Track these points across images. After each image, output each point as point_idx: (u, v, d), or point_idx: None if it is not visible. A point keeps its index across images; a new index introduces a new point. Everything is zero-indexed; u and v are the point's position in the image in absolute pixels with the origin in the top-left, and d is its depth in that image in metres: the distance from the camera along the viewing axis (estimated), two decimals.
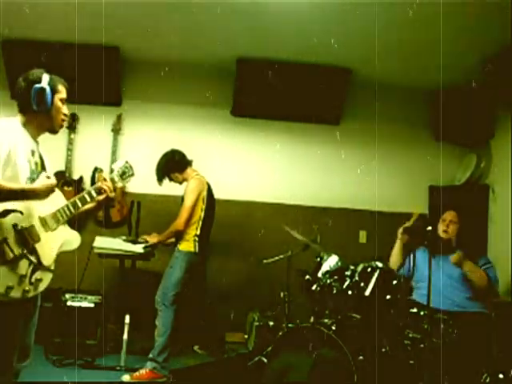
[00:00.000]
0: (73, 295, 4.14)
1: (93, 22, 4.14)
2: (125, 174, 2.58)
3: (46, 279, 2.21)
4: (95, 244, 3.96)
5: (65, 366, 3.82)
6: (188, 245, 3.82)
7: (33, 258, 2.13)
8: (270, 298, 4.38)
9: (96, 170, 4.78)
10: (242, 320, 4.62)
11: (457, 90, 4.78)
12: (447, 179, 5.20)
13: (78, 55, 4.52)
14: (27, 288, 2.11)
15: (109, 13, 3.95)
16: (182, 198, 3.91)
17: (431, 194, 5.18)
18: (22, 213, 2.11)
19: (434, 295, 3.04)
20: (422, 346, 3.00)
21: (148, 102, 4.99)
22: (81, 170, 4.83)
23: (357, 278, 3.20)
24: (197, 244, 3.83)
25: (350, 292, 3.19)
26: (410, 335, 3.11)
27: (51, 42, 4.47)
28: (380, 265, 3.26)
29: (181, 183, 4.03)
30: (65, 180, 4.73)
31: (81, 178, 4.80)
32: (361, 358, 2.79)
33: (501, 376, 2.85)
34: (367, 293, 3.13)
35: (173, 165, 3.99)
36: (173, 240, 3.91)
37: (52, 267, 2.25)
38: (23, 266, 2.10)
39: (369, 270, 3.22)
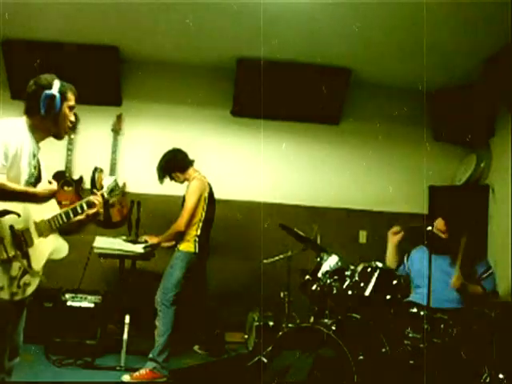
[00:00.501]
0: (73, 295, 4.13)
1: (92, 22, 4.14)
2: (113, 192, 2.64)
3: (34, 284, 2.21)
4: (95, 244, 3.96)
5: (65, 366, 3.81)
6: (188, 245, 3.82)
7: (24, 262, 2.14)
8: (270, 298, 4.38)
9: (96, 170, 4.76)
10: (242, 320, 4.62)
11: (457, 89, 4.78)
12: (447, 179, 5.20)
13: (78, 55, 4.53)
14: (15, 290, 2.11)
15: (108, 13, 3.96)
16: (183, 199, 3.91)
17: (431, 194, 5.18)
18: (19, 215, 2.12)
19: (433, 293, 3.03)
20: (421, 345, 3.00)
21: (148, 102, 4.99)
22: (81, 169, 4.83)
23: (357, 278, 3.20)
24: (197, 244, 3.83)
25: (349, 292, 3.19)
26: (410, 335, 3.11)
27: (51, 41, 4.47)
28: (380, 265, 3.27)
29: (182, 183, 4.03)
30: (65, 180, 4.73)
31: (81, 178, 4.80)
32: (361, 357, 2.79)
33: (501, 376, 2.84)
34: (367, 293, 3.13)
35: (174, 164, 3.99)
36: (173, 243, 3.90)
37: (40, 273, 2.25)
38: (15, 269, 2.10)
39: (369, 270, 3.22)
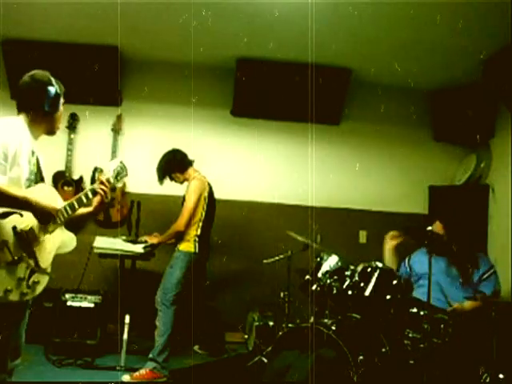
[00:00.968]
0: (73, 295, 4.13)
1: (92, 22, 4.14)
2: (119, 175, 2.56)
3: (43, 282, 2.21)
4: (95, 244, 3.96)
5: (65, 366, 3.82)
6: (188, 245, 3.82)
7: (31, 261, 2.13)
8: (270, 298, 4.38)
9: (96, 169, 4.78)
10: (242, 320, 4.62)
11: (457, 89, 4.78)
12: (447, 179, 5.20)
13: (78, 55, 4.52)
14: (25, 291, 2.11)
15: (108, 13, 3.95)
16: (183, 199, 3.91)
17: (431, 194, 5.18)
18: (21, 215, 2.10)
19: (433, 294, 3.03)
20: (421, 345, 3.00)
21: (148, 102, 4.99)
22: (81, 169, 4.83)
23: (357, 278, 3.21)
24: (197, 244, 3.83)
25: (349, 292, 3.19)
26: (410, 335, 3.11)
27: (51, 41, 4.47)
28: (380, 265, 3.27)
29: (182, 183, 4.03)
30: (65, 180, 4.73)
31: (81, 178, 4.80)
32: (361, 357, 2.79)
33: (501, 376, 2.84)
34: (367, 293, 3.13)
35: (174, 164, 3.99)
36: (173, 240, 3.91)
37: (49, 270, 2.25)
38: (21, 269, 2.09)
39: (369, 270, 3.22)
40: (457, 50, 4.14)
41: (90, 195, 2.36)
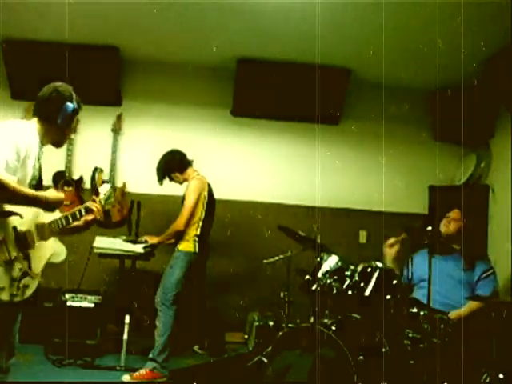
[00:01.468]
0: (73, 295, 4.13)
1: (93, 22, 4.14)
2: (108, 200, 2.64)
3: (33, 286, 2.23)
4: (95, 244, 3.96)
5: (65, 366, 3.82)
6: (188, 245, 3.82)
7: (25, 264, 2.15)
8: (270, 298, 4.38)
9: (96, 169, 4.78)
10: (242, 320, 4.62)
11: (457, 90, 4.78)
12: (447, 179, 5.20)
13: (78, 55, 4.52)
14: (15, 292, 2.12)
15: (109, 13, 3.96)
16: (183, 199, 3.91)
17: (431, 193, 5.18)
18: (21, 217, 2.12)
19: (434, 295, 3.03)
20: (421, 345, 3.00)
21: (148, 102, 4.99)
22: (81, 169, 4.83)
23: (357, 278, 3.20)
24: (197, 244, 3.83)
25: (350, 292, 3.19)
26: (410, 335, 3.11)
27: (51, 41, 4.47)
28: (380, 265, 3.27)
29: (181, 183, 4.03)
30: (65, 180, 4.73)
31: (81, 178, 4.80)
32: (361, 358, 2.79)
33: (501, 376, 2.84)
34: (367, 293, 3.13)
35: (173, 165, 3.99)
36: (173, 240, 3.91)
37: (39, 276, 2.27)
38: (15, 270, 2.11)
39: (369, 270, 3.22)
40: (457, 51, 4.14)
41: (83, 212, 2.43)
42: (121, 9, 3.91)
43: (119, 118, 4.90)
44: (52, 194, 2.25)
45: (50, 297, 4.12)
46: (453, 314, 3.35)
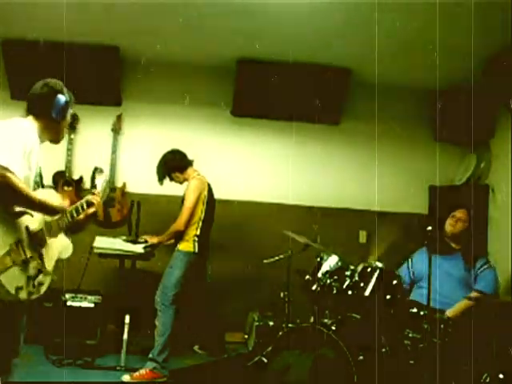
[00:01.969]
0: (73, 295, 4.14)
1: (93, 22, 4.14)
2: (105, 191, 2.71)
3: (47, 283, 2.27)
4: (95, 244, 3.96)
5: (65, 366, 3.82)
6: (188, 245, 3.82)
7: (39, 262, 2.19)
8: (270, 298, 4.38)
9: (96, 169, 4.74)
10: (242, 320, 4.62)
11: (457, 89, 4.78)
12: (447, 179, 5.20)
13: (78, 55, 4.52)
14: (32, 290, 2.15)
15: (109, 13, 3.96)
16: (183, 198, 3.91)
17: (431, 193, 5.18)
18: (32, 215, 2.16)
19: (434, 294, 3.03)
20: (421, 345, 3.00)
21: (148, 102, 4.99)
22: (81, 169, 4.83)
23: (357, 278, 3.21)
24: (196, 244, 3.83)
25: (349, 292, 3.19)
26: (410, 335, 3.11)
27: (51, 41, 4.47)
28: (380, 265, 3.27)
29: (181, 183, 4.03)
30: (65, 180, 4.73)
31: (81, 178, 4.80)
32: (361, 358, 2.79)
33: (501, 376, 2.85)
34: (367, 293, 3.13)
35: (174, 164, 3.99)
36: (172, 241, 3.91)
37: (52, 272, 2.31)
38: (31, 269, 2.14)
39: (369, 270, 3.22)
40: (457, 50, 4.14)
41: (85, 206, 2.47)
42: (121, 9, 3.90)
43: (119, 118, 4.90)
44: (57, 200, 2.30)
45: (50, 297, 4.12)
46: (450, 312, 3.35)
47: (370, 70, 4.79)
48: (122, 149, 4.91)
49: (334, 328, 2.94)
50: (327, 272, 3.34)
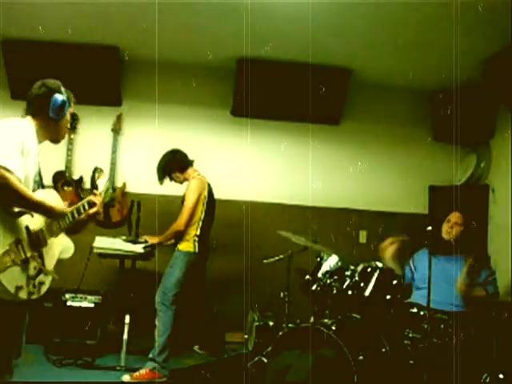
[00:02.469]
0: (73, 295, 4.14)
1: (92, 22, 4.14)
2: (107, 192, 2.67)
3: (47, 283, 2.26)
4: (95, 244, 3.96)
5: (65, 366, 3.81)
6: (188, 245, 3.82)
7: (39, 262, 2.18)
8: (270, 298, 4.38)
9: (96, 169, 4.74)
10: (241, 320, 4.62)
11: (457, 89, 4.78)
12: (447, 179, 5.20)
13: (78, 55, 4.52)
14: (32, 290, 2.15)
15: (108, 13, 3.96)
16: (183, 198, 3.91)
17: (431, 194, 5.18)
18: (32, 215, 2.15)
19: (435, 296, 3.03)
20: (421, 345, 3.00)
21: (148, 102, 4.98)
22: (81, 169, 4.83)
23: (357, 278, 3.21)
24: (197, 244, 3.83)
25: (350, 292, 3.19)
26: (410, 335, 3.11)
27: (51, 41, 4.47)
28: (380, 265, 3.27)
29: (181, 183, 4.03)
30: (65, 180, 4.73)
31: (81, 178, 4.80)
32: (361, 358, 2.79)
33: (501, 376, 2.85)
34: (367, 293, 3.13)
35: (174, 164, 3.99)
36: (172, 241, 3.91)
37: (52, 272, 2.30)
38: (31, 268, 2.14)
39: (369, 270, 3.23)
40: (457, 50, 4.14)
41: (87, 206, 2.46)
42: (121, 9, 3.90)
43: (119, 118, 4.90)
44: (57, 201, 2.31)
45: (50, 297, 4.12)
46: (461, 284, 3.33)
47: (370, 70, 4.81)
48: (122, 149, 4.91)
49: (334, 328, 2.94)
50: (327, 272, 3.34)
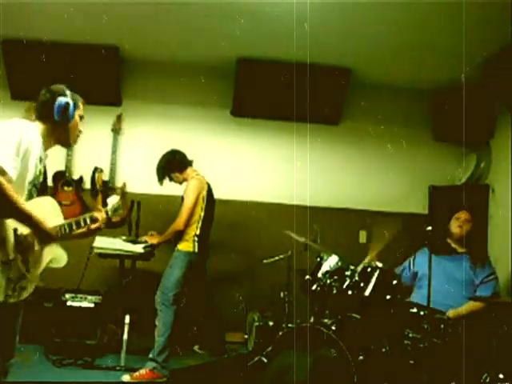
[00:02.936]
0: (73, 295, 4.14)
1: (92, 22, 4.14)
2: (116, 211, 2.66)
3: (29, 289, 2.23)
4: (95, 244, 3.95)
5: (65, 366, 3.82)
6: (187, 245, 3.83)
7: (23, 266, 2.15)
8: (270, 298, 4.38)
9: (96, 169, 4.78)
10: (242, 320, 4.62)
11: (457, 89, 4.78)
12: (447, 179, 5.20)
13: (78, 55, 4.52)
14: (10, 293, 2.11)
15: (109, 13, 3.96)
16: (182, 198, 3.91)
17: (431, 193, 5.18)
18: None
19: (436, 295, 3.03)
20: (421, 346, 3.00)
21: (148, 102, 4.99)
22: (81, 170, 4.83)
23: (357, 278, 3.21)
24: (196, 244, 3.83)
25: (349, 292, 3.19)
26: (410, 335, 3.11)
27: (51, 41, 4.47)
28: (380, 265, 3.27)
29: (181, 183, 4.04)
30: (65, 180, 4.73)
31: (81, 178, 4.80)
32: (361, 358, 2.79)
33: (501, 376, 2.84)
34: (367, 293, 3.13)
35: (173, 165, 4.00)
36: (172, 240, 3.91)
37: (37, 279, 2.27)
38: (13, 271, 2.11)
39: (369, 270, 3.23)
40: (457, 50, 4.14)
41: (88, 221, 2.44)
42: (121, 9, 3.90)
43: (119, 118, 4.90)
44: (53, 211, 2.27)
45: (50, 297, 4.12)
46: (451, 313, 3.35)
47: (369, 69, 4.80)
48: (122, 149, 4.91)
49: (334, 328, 2.94)
50: (327, 272, 3.34)
